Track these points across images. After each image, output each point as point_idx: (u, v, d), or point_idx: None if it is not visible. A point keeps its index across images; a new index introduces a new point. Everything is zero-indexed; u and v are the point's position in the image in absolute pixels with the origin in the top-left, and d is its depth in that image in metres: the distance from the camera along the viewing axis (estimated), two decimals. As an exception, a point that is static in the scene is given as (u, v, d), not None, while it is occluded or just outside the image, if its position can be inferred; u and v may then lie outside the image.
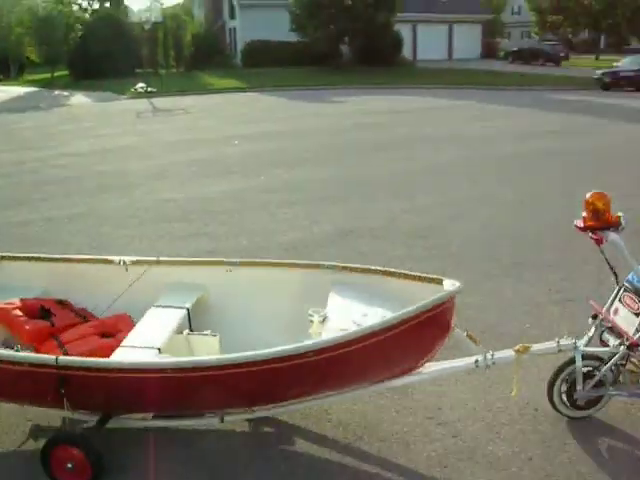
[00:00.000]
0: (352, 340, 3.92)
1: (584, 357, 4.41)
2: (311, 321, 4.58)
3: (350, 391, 4.29)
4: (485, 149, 15.44)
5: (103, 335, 4.58)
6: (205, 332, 4.65)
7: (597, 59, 59.11)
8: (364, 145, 16.13)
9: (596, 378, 4.42)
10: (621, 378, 4.48)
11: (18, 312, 4.66)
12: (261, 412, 4.31)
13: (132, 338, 4.42)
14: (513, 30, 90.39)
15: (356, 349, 3.96)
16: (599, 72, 36.06)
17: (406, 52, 51.38)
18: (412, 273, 4.84)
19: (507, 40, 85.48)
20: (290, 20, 43.69)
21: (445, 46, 60.91)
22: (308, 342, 3.94)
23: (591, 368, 4.45)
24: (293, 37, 45.02)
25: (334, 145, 16.17)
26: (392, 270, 4.94)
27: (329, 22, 41.85)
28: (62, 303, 4.96)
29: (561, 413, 4.58)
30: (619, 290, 4.56)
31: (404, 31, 50.50)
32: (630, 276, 4.56)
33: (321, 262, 5.18)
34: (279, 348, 3.85)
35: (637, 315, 4.36)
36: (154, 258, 5.23)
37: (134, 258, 5.23)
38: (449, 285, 4.43)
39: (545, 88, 34.04)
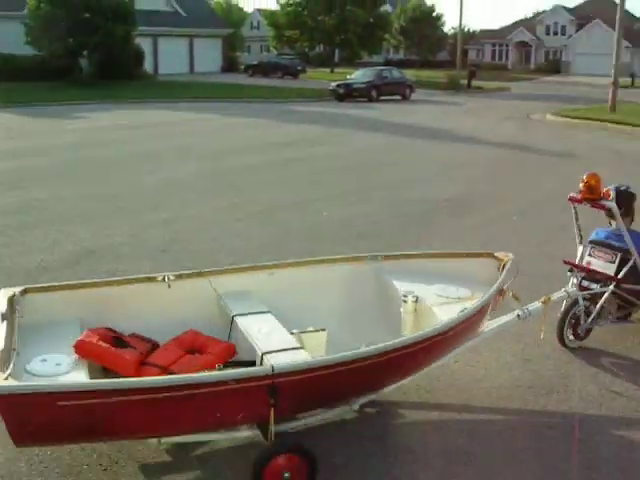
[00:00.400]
0: (473, 314, 4.68)
1: (583, 299, 5.98)
2: (405, 301, 5.12)
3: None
4: (229, 160, 15.79)
5: (190, 353, 4.49)
6: (310, 329, 4.73)
7: (332, 72, 62.24)
8: (105, 161, 15.82)
9: (594, 313, 5.99)
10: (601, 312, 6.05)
11: (104, 344, 4.26)
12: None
13: (262, 344, 4.34)
14: (253, 44, 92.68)
15: (470, 322, 4.71)
16: (334, 84, 38.09)
17: (148, 66, 50.90)
18: (458, 252, 5.97)
19: (247, 54, 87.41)
20: (25, 33, 41.66)
21: (187, 60, 61.03)
22: (449, 319, 4.56)
23: (585, 307, 5.97)
24: (30, 50, 42.95)
25: (74, 162, 15.68)
26: (437, 252, 5.96)
27: (66, 35, 40.46)
28: (111, 330, 4.51)
29: (567, 346, 6.04)
30: (587, 247, 6.24)
31: (145, 45, 50.01)
32: (593, 235, 6.35)
33: (362, 254, 5.73)
34: (434, 326, 4.49)
35: (612, 262, 6.02)
36: (196, 271, 5.11)
37: (177, 273, 5.03)
38: (503, 255, 5.56)
39: (284, 100, 35.22)
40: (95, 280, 4.94)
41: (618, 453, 4.62)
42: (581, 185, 5.97)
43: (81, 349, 4.18)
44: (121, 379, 3.90)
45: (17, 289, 4.56)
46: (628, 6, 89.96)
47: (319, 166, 15.35)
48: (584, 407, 5.14)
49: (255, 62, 63.57)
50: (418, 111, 31.80)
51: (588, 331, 6.11)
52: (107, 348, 4.24)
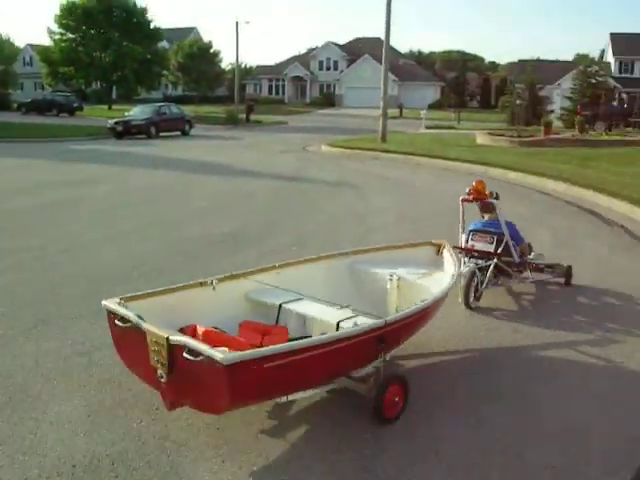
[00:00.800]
0: (450, 288, 6.42)
1: (479, 270, 8.08)
2: (390, 280, 6.82)
3: None
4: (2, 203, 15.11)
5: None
6: (338, 305, 5.93)
7: (110, 109, 61.25)
8: None
9: (486, 280, 8.10)
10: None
11: (222, 332, 5.26)
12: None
13: (329, 316, 5.64)
14: (26, 81, 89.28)
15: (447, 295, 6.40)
16: (112, 121, 37.46)
17: None
18: (407, 243, 7.97)
19: (20, 91, 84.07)
20: None
21: (-48, 99, 57.72)
22: (448, 283, 6.41)
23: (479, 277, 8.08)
24: None
25: None
26: (391, 245, 7.88)
27: None
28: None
29: (470, 307, 7.95)
30: (468, 235, 8.61)
31: None
32: (472, 226, 8.76)
33: (334, 252, 7.38)
34: (446, 285, 6.32)
35: (491, 243, 8.36)
36: (228, 274, 6.24)
37: (218, 277, 6.11)
38: (439, 241, 7.79)
39: (61, 139, 34.15)
40: (165, 288, 5.73)
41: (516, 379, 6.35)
42: (468, 189, 8.62)
43: (209, 338, 4.88)
44: (309, 339, 4.99)
45: (116, 299, 5.25)
46: (394, 43, 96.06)
47: (98, 205, 15.07)
48: (497, 345, 7.08)
49: (29, 100, 61.32)
50: (198, 146, 32.04)
51: (481, 294, 8.13)
52: (228, 336, 5.22)
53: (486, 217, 8.82)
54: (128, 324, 4.93)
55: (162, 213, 14.30)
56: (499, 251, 8.33)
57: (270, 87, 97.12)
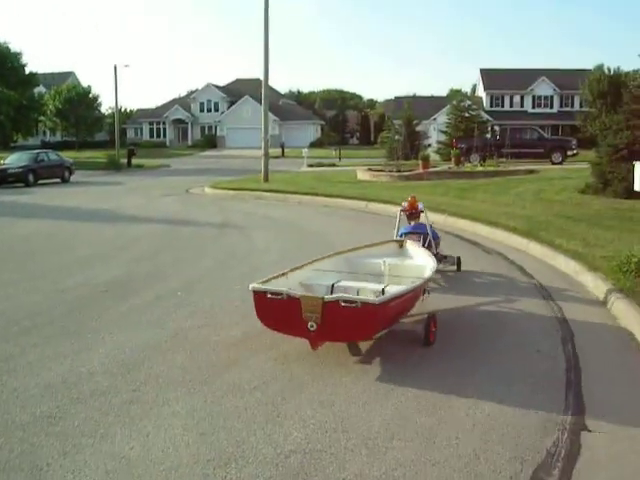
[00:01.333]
0: (436, 265, 9.29)
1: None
2: (384, 264, 9.40)
3: None
4: None
5: None
6: (366, 280, 8.78)
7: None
8: None
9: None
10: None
11: None
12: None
13: (374, 287, 8.11)
14: None
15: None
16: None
17: None
18: (378, 242, 10.62)
19: None
20: None
21: None
22: (429, 273, 8.62)
23: None
24: None
25: None
26: (369, 243, 10.51)
27: None
28: None
29: None
30: (401, 236, 11.22)
31: None
32: (402, 230, 11.64)
33: (340, 250, 10.02)
34: (424, 276, 8.52)
35: (419, 240, 11.10)
36: (288, 269, 8.36)
37: (289, 269, 8.38)
38: (399, 239, 10.88)
39: None
40: (265, 278, 7.78)
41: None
42: (405, 203, 12.22)
43: None
44: (407, 286, 7.85)
45: (256, 284, 7.44)
46: (273, 84, 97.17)
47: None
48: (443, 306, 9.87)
49: None
50: (79, 193, 31.44)
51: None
52: None
53: (412, 223, 12.15)
54: (280, 296, 7.04)
55: (43, 263, 13.85)
56: (426, 246, 11.05)
57: (151, 130, 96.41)
